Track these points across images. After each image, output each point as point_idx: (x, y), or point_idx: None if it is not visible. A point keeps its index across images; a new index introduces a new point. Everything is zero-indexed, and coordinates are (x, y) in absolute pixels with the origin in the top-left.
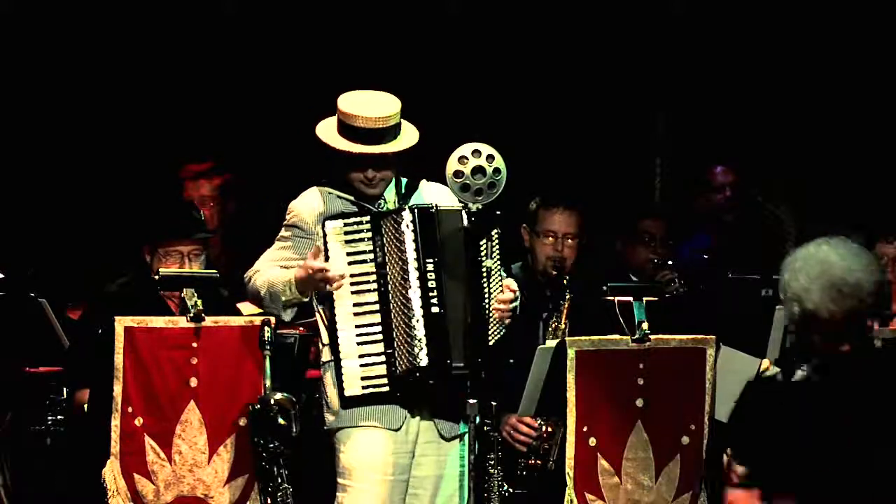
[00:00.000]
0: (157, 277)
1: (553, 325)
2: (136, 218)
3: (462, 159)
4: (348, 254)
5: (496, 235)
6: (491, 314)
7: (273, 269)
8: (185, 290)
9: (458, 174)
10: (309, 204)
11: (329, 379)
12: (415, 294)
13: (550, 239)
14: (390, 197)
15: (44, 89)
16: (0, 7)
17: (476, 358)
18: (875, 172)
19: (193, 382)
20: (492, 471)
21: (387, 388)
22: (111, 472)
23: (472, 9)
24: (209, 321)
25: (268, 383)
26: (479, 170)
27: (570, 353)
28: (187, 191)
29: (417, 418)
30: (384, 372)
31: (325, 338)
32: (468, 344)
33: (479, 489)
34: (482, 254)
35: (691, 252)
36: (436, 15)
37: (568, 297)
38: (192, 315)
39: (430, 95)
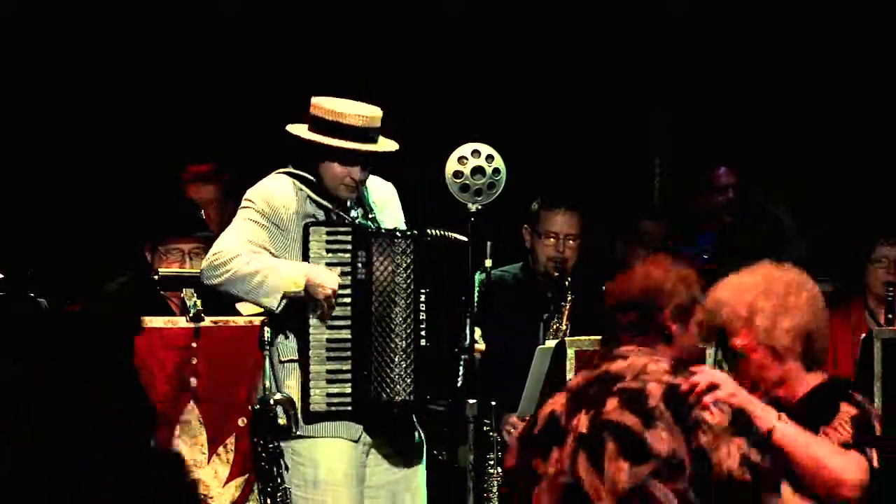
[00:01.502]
0: (156, 277)
1: (555, 326)
2: (138, 216)
3: (462, 159)
4: (328, 263)
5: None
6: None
7: (260, 256)
8: (184, 290)
9: (457, 174)
10: (285, 197)
11: (292, 383)
12: (404, 323)
13: (552, 240)
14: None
15: (44, 89)
16: (0, 7)
17: (449, 397)
18: (875, 173)
19: (193, 382)
20: (491, 471)
21: (349, 409)
22: None
23: (472, 9)
24: (209, 321)
25: (268, 383)
26: (478, 170)
27: (570, 352)
28: (189, 193)
29: (370, 432)
30: (349, 391)
31: (284, 337)
32: (447, 382)
33: (479, 489)
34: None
35: (693, 252)
36: (436, 15)
37: (569, 298)
38: (192, 315)
39: (430, 95)
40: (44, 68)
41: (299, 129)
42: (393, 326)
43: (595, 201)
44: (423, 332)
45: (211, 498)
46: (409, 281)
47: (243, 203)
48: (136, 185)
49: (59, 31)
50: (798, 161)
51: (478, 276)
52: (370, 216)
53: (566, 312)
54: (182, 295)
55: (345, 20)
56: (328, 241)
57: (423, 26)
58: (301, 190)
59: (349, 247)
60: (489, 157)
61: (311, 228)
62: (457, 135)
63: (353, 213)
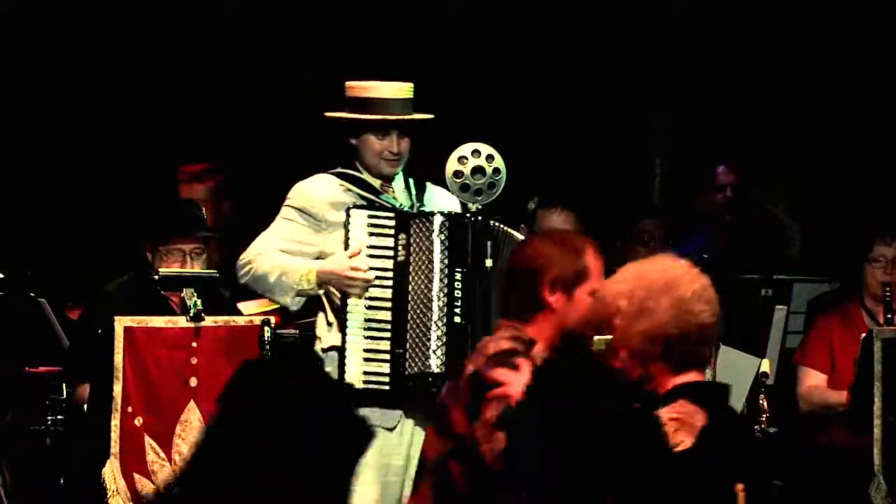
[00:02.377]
0: (157, 277)
1: None
2: (139, 216)
3: (462, 159)
4: (370, 246)
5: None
6: None
7: (279, 254)
8: (185, 289)
9: (457, 174)
10: (323, 190)
11: (332, 371)
12: (439, 301)
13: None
14: (402, 196)
15: (44, 89)
16: (0, 7)
17: None
18: (875, 172)
19: (193, 382)
20: None
21: (387, 388)
22: (111, 472)
23: (472, 9)
24: (209, 321)
25: None
26: (478, 170)
27: None
28: (181, 193)
29: (412, 420)
30: (388, 370)
31: (326, 325)
32: None
33: None
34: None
35: (692, 252)
36: (436, 15)
37: None
38: (192, 315)
39: (430, 95)
40: (44, 69)
41: (337, 115)
42: (429, 303)
43: (595, 201)
44: (457, 310)
45: None
46: (443, 258)
47: (284, 202)
48: (137, 185)
49: (59, 31)
50: (798, 161)
51: None
52: (421, 209)
53: None
54: (182, 295)
55: (344, 20)
56: (370, 225)
57: (423, 26)
58: (342, 184)
59: (391, 231)
60: (489, 157)
61: (352, 211)
62: (457, 135)
63: (399, 204)
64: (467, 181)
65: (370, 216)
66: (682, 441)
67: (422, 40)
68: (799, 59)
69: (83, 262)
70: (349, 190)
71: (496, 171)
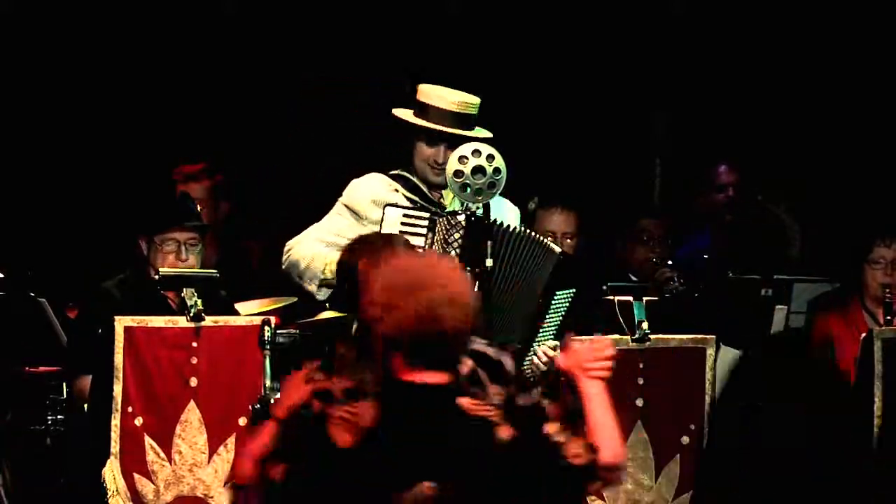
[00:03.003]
0: (156, 277)
1: None
2: (133, 210)
3: (462, 159)
4: None
5: (569, 294)
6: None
7: (316, 244)
8: (185, 289)
9: (458, 174)
10: (370, 188)
11: None
12: None
13: (549, 238)
14: (452, 203)
15: (43, 89)
16: (0, 7)
17: None
18: (875, 173)
19: (193, 382)
20: None
21: None
22: (111, 472)
23: (472, 9)
24: (209, 321)
25: (268, 383)
26: (479, 170)
27: None
28: (177, 194)
29: None
30: None
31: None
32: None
33: None
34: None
35: (692, 252)
36: (435, 15)
37: None
38: (192, 315)
39: None
40: (43, 68)
41: (403, 113)
42: None
43: (595, 201)
44: None
45: (211, 498)
46: (456, 254)
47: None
48: (136, 185)
49: (59, 31)
50: (798, 161)
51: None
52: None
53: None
54: (182, 295)
55: (344, 21)
56: (403, 224)
57: (423, 26)
58: (392, 184)
59: (423, 231)
60: (489, 157)
61: (388, 209)
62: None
63: (442, 209)
64: (467, 181)
65: (404, 215)
66: (343, 439)
67: (422, 40)
68: (799, 58)
69: (83, 261)
70: (397, 190)
71: (496, 170)
